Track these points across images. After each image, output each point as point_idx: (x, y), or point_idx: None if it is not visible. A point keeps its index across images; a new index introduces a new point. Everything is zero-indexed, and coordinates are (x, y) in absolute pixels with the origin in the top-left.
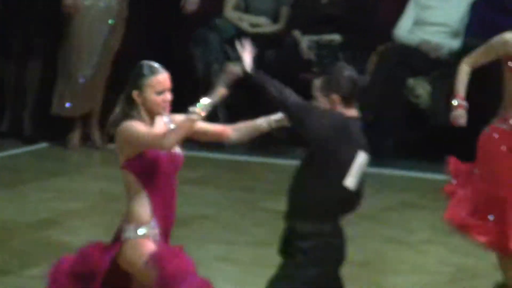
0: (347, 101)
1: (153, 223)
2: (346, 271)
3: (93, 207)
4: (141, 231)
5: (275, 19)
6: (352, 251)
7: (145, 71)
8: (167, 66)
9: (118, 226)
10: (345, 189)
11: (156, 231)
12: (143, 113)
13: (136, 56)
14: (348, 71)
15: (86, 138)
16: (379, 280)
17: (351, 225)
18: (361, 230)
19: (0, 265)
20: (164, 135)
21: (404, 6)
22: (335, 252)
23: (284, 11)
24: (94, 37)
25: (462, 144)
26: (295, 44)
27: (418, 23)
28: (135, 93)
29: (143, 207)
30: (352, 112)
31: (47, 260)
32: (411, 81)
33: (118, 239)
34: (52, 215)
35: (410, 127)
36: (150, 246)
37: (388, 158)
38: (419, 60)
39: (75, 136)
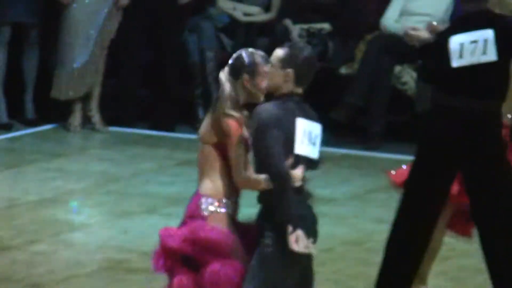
0: (299, 79)
1: (228, 199)
2: (339, 250)
3: (94, 187)
4: (218, 206)
5: (267, 8)
6: (344, 231)
7: (258, 59)
8: (162, 52)
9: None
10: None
11: (231, 205)
12: (246, 97)
13: (133, 43)
14: (308, 52)
15: (86, 121)
16: (370, 258)
17: (343, 206)
18: (352, 211)
19: (6, 241)
20: (245, 173)
21: None
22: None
23: (276, 0)
24: (90, 24)
25: None
26: (286, 32)
27: (405, 13)
28: (245, 78)
29: (221, 182)
30: (299, 90)
31: (51, 236)
32: (397, 68)
33: (194, 213)
34: (55, 194)
35: (397, 112)
36: (227, 223)
37: (376, 142)
38: (405, 48)
39: (76, 119)
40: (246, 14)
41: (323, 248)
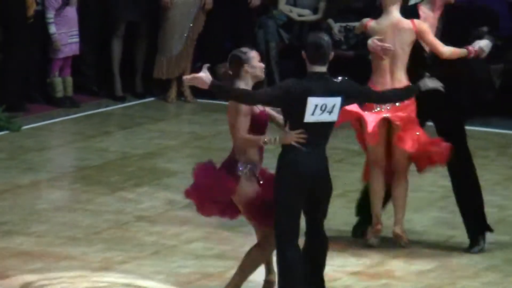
0: (310, 59)
1: (257, 162)
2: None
3: (185, 144)
4: (248, 168)
5: (315, 10)
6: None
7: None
8: (239, 43)
9: (226, 160)
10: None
11: (259, 168)
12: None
13: (216, 36)
14: (314, 38)
15: (180, 94)
16: None
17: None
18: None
19: (119, 183)
20: (244, 134)
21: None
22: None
23: (322, 5)
24: (184, 22)
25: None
26: (329, 29)
27: None
28: (246, 66)
29: (253, 148)
30: (316, 69)
31: (153, 180)
32: None
33: (230, 171)
34: (156, 149)
35: None
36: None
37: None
38: None
39: (172, 93)
40: (299, 15)
41: (354, 189)
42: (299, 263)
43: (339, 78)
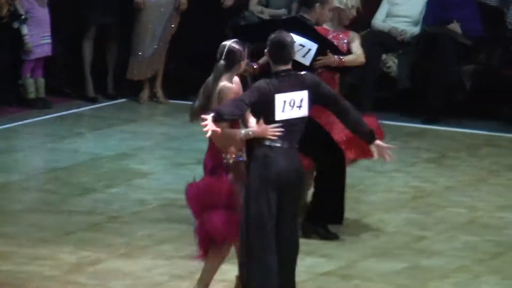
0: (273, 59)
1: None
2: None
3: (157, 145)
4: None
5: (288, 11)
6: None
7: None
8: (211, 44)
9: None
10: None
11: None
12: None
13: (188, 37)
14: (277, 37)
15: (152, 95)
16: (362, 197)
17: None
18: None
19: (90, 185)
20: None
21: (379, 3)
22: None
23: (295, 5)
24: (156, 24)
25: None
26: None
27: (389, 15)
28: (242, 63)
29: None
30: (280, 68)
31: (124, 181)
32: (384, 56)
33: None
34: (128, 150)
35: (383, 89)
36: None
37: (367, 111)
38: (390, 41)
39: (145, 94)
40: (271, 16)
41: None
42: (271, 260)
43: (303, 72)
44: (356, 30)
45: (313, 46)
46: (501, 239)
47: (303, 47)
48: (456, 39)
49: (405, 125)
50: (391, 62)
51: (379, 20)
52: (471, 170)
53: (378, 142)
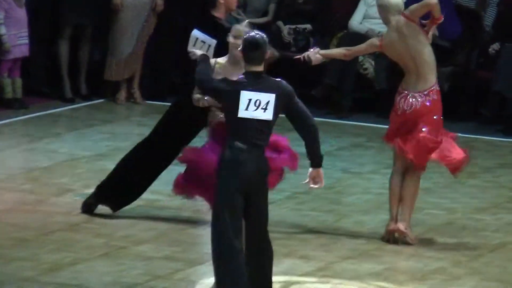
0: (246, 59)
1: None
2: (315, 192)
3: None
4: None
5: (265, 13)
6: None
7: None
8: (185, 47)
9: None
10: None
11: None
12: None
13: (165, 38)
14: (251, 38)
15: (130, 96)
16: (339, 199)
17: None
18: (325, 164)
19: (68, 185)
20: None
21: (356, 4)
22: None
23: (272, 7)
24: (134, 24)
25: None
26: (279, 31)
27: (366, 17)
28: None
29: None
30: (252, 68)
31: None
32: (360, 58)
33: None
34: (105, 150)
35: (360, 90)
36: None
37: (346, 113)
38: None
39: (122, 94)
40: (249, 17)
41: (303, 191)
42: (240, 257)
43: (278, 79)
44: (333, 32)
45: (213, 42)
46: (479, 241)
47: (204, 44)
48: (433, 41)
49: (382, 126)
50: (367, 64)
51: (356, 21)
52: (448, 172)
53: (321, 171)
